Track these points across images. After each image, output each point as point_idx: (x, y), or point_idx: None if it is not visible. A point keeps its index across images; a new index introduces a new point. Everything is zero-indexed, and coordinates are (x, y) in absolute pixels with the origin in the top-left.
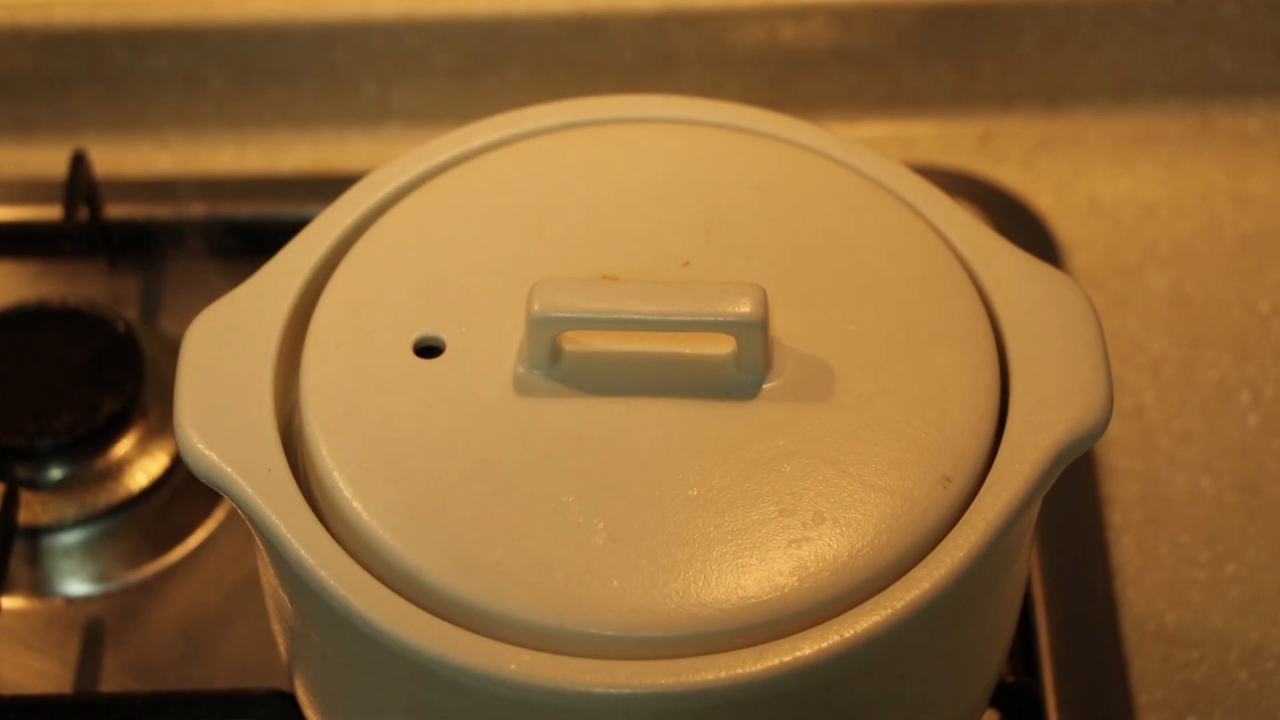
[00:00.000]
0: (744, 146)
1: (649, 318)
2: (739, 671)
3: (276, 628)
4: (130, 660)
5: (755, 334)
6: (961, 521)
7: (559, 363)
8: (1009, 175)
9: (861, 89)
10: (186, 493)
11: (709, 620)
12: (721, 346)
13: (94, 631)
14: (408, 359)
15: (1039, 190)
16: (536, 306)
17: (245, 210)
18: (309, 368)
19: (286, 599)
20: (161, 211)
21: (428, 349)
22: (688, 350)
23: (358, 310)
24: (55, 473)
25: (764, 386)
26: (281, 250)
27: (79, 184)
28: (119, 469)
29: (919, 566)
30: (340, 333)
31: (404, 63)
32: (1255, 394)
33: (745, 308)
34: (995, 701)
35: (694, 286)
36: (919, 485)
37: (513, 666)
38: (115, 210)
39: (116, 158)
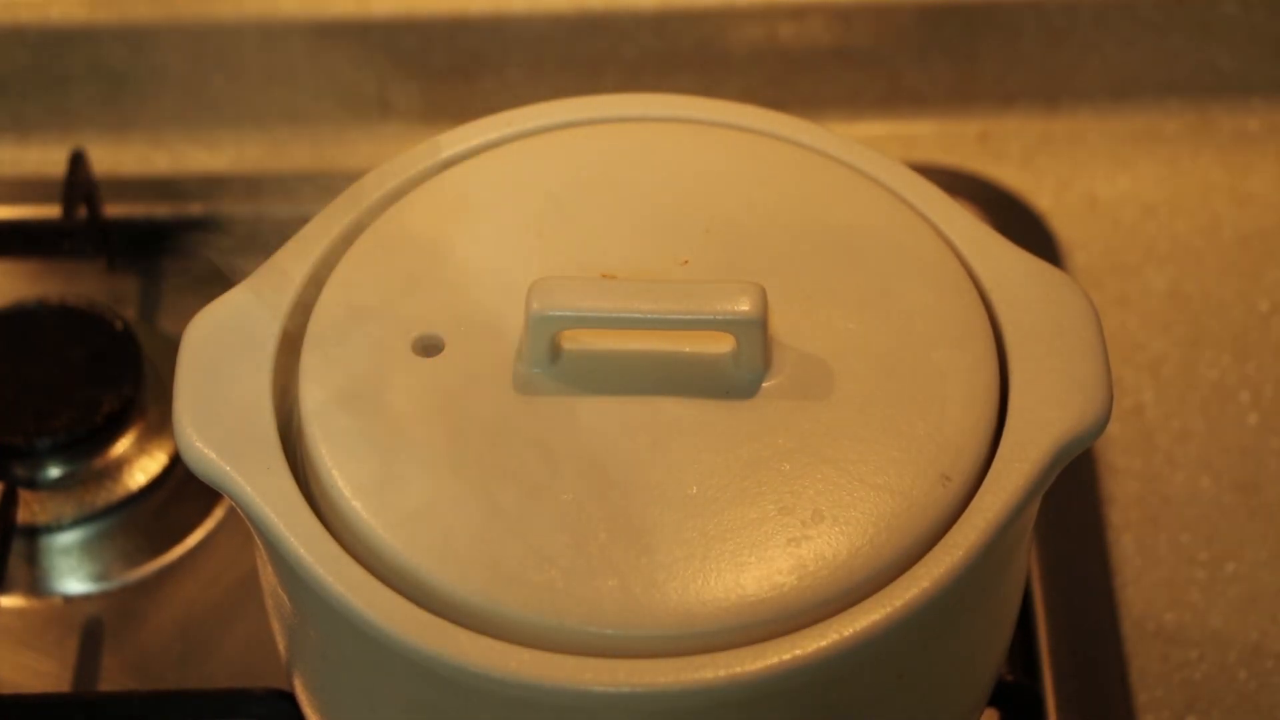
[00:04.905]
0: (744, 146)
1: (648, 316)
2: (738, 670)
3: (275, 627)
4: (129, 659)
5: (754, 332)
6: (961, 520)
7: (558, 361)
8: (1008, 174)
9: (861, 88)
10: (185, 492)
11: (708, 619)
12: (720, 345)
13: (92, 631)
14: (407, 357)
15: (1038, 189)
16: (535, 305)
17: (244, 209)
18: (308, 366)
19: (285, 598)
20: (160, 211)
21: (427, 348)
22: (687, 349)
23: (357, 309)
24: (54, 472)
25: (763, 385)
26: (280, 249)
27: (78, 183)
28: (118, 468)
29: (918, 565)
30: (339, 331)
31: (404, 62)
32: (1255, 393)
33: (744, 306)
34: (995, 701)
35: (693, 285)
36: (918, 484)
37: (512, 665)
38: (114, 209)
39: (115, 157)
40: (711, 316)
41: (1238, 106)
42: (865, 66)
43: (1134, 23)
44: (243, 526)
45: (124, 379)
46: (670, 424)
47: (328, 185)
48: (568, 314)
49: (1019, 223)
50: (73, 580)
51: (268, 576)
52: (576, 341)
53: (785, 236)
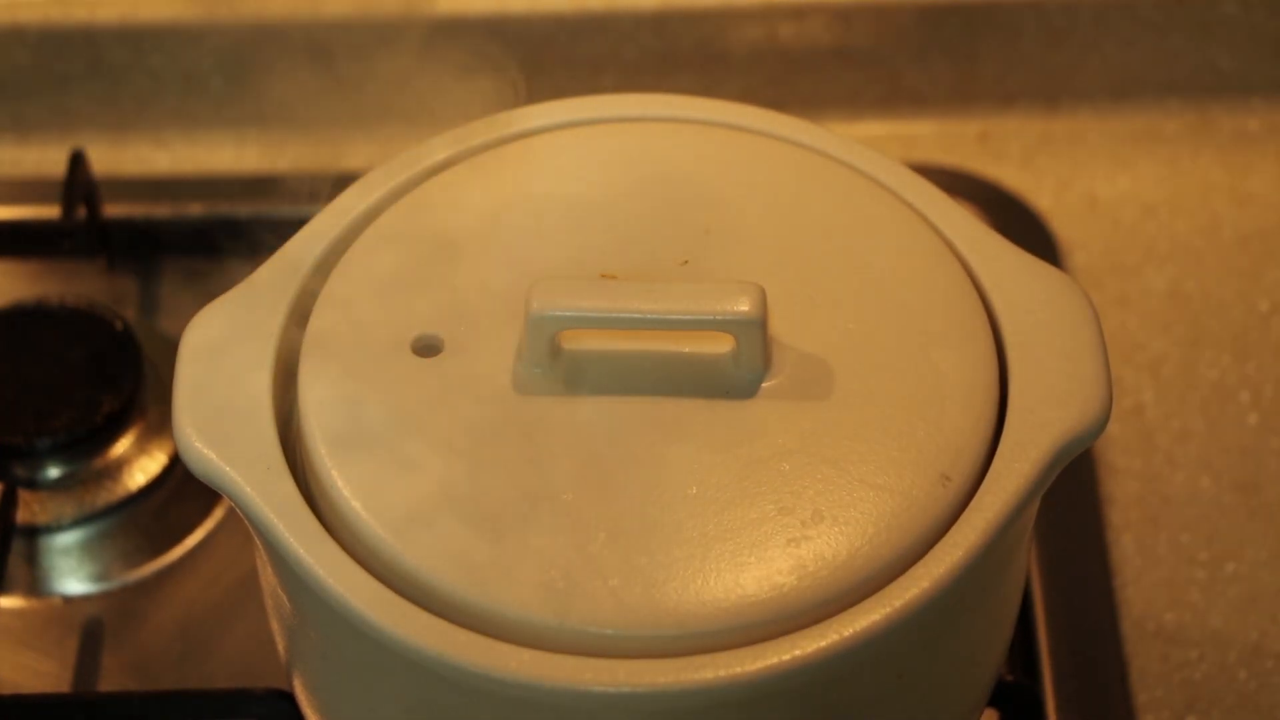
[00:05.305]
0: (744, 146)
1: (648, 316)
2: (737, 670)
3: (275, 627)
4: (129, 659)
5: (754, 333)
6: (960, 520)
7: (558, 361)
8: (1008, 174)
9: (861, 88)
10: (185, 492)
11: (708, 619)
12: (720, 345)
13: (92, 631)
14: (407, 358)
15: (1038, 189)
16: (535, 305)
17: (244, 210)
18: (307, 366)
19: (285, 598)
20: (160, 211)
21: (427, 348)
22: (686, 349)
23: (356, 309)
24: (53, 472)
25: (763, 385)
26: (280, 249)
27: (77, 183)
28: (117, 468)
29: (918, 565)
30: (339, 331)
31: (404, 62)
32: (1255, 393)
33: (744, 306)
34: (994, 701)
35: (693, 285)
36: (918, 484)
37: (512, 665)
38: (114, 209)
39: (115, 157)
40: (711, 316)
41: (1238, 106)
42: (865, 66)
43: (1134, 23)
44: (243, 526)
45: (124, 379)
46: (670, 424)
47: (327, 185)
48: (568, 314)
49: (1019, 223)
50: (72, 580)
51: (268, 577)
52: (576, 341)
53: (785, 236)
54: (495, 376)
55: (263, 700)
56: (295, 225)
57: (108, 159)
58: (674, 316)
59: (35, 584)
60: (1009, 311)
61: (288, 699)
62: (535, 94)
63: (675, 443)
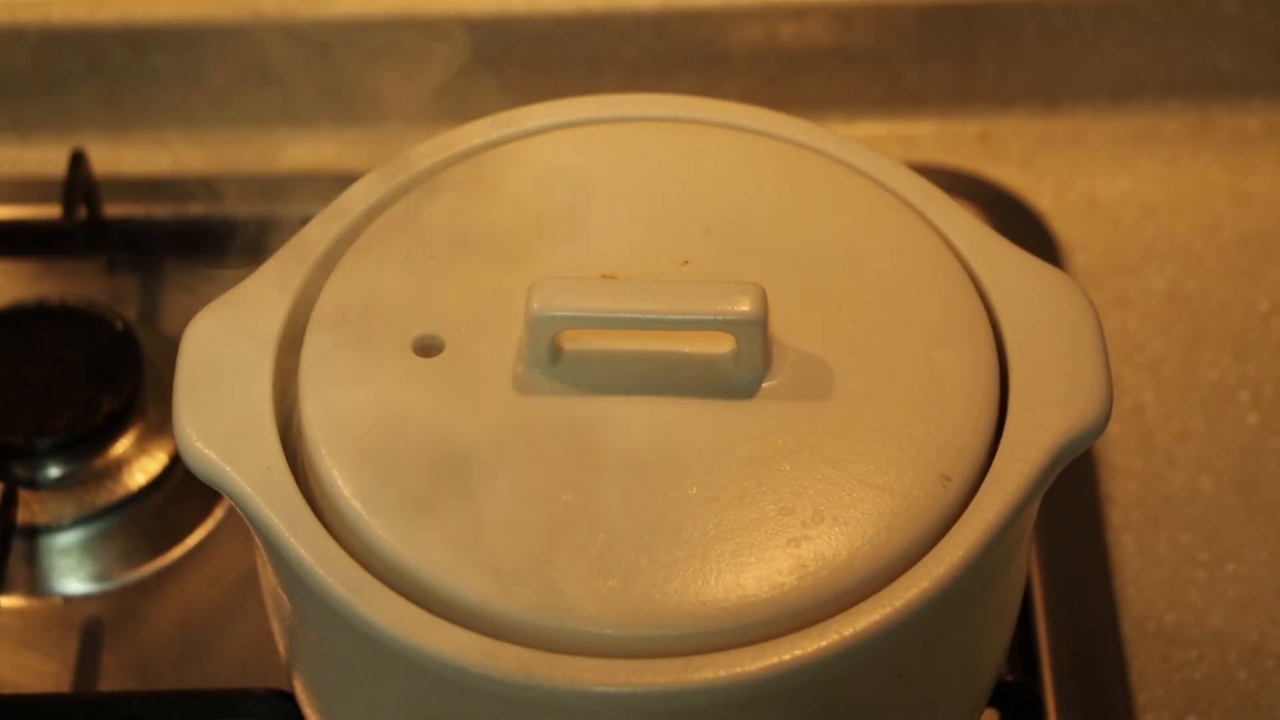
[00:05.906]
0: (744, 146)
1: (648, 316)
2: (738, 670)
3: (275, 627)
4: (129, 659)
5: (754, 332)
6: (960, 520)
7: (558, 361)
8: (1008, 174)
9: (861, 88)
10: (185, 492)
11: (708, 619)
12: (721, 345)
13: (92, 630)
14: (407, 358)
15: (1038, 189)
16: (535, 305)
17: (244, 210)
18: (308, 366)
19: (285, 598)
20: (161, 211)
21: (427, 348)
22: (687, 349)
23: (357, 309)
24: (54, 471)
25: (763, 385)
26: (280, 249)
27: (78, 183)
28: (118, 468)
29: (918, 565)
30: (339, 331)
31: (404, 62)
32: (1255, 393)
33: (744, 306)
34: (995, 701)
35: (693, 285)
36: (918, 484)
37: (512, 665)
38: (114, 209)
39: (116, 156)
40: (712, 316)
41: (1238, 106)
42: (865, 66)
43: (1134, 23)
44: (242, 526)
45: (124, 379)
46: (670, 424)
47: (328, 185)
48: (568, 314)
49: (1019, 223)
50: (73, 580)
51: (268, 576)
52: (577, 341)
53: (785, 236)
54: (495, 376)
55: (263, 700)
56: (295, 225)
57: (108, 159)
58: (674, 316)
59: (35, 584)
60: (1009, 311)
61: (288, 699)
62: (535, 94)
63: (675, 443)
